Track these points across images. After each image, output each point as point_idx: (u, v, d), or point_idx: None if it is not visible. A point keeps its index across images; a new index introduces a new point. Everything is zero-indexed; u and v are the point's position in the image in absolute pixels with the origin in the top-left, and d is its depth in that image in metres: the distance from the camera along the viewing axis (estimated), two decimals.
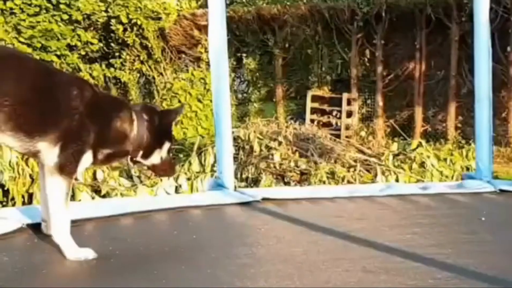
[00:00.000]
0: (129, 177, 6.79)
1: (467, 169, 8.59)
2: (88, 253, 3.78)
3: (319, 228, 4.64)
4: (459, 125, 13.60)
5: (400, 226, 4.75)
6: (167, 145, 4.21)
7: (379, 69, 14.21)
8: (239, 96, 16.11)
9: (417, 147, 8.89)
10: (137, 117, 4.07)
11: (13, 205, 5.73)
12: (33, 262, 3.77)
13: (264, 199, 5.61)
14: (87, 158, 3.86)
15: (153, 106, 4.51)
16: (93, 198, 5.90)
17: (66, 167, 3.76)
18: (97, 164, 4.13)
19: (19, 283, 3.39)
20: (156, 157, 4.19)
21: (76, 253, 3.77)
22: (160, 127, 4.16)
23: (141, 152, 4.10)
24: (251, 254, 4.01)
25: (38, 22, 14.24)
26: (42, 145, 3.73)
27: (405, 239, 4.30)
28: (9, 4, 13.90)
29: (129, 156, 4.11)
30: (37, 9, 14.28)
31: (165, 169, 4.32)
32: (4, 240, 4.19)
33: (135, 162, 4.21)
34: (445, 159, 8.84)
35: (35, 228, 4.36)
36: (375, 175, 7.76)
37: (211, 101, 10.04)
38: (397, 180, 7.50)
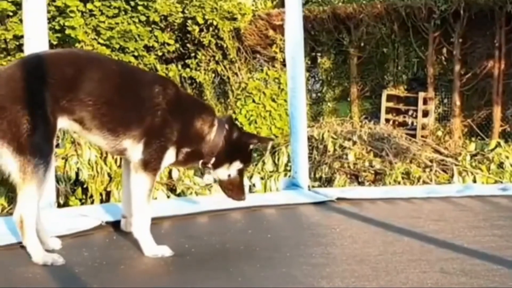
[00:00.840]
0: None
1: None
2: (165, 250, 3.85)
3: (395, 228, 4.60)
4: None
5: (479, 227, 4.66)
6: (237, 164, 4.17)
7: (457, 67, 13.93)
8: (313, 95, 16.06)
9: (495, 147, 8.66)
10: (218, 124, 4.09)
11: (92, 203, 5.85)
12: (112, 258, 3.86)
13: (338, 199, 5.59)
14: (170, 155, 3.93)
15: (237, 124, 4.49)
16: (168, 196, 5.97)
17: (150, 164, 3.84)
18: (176, 164, 4.18)
19: (98, 278, 3.47)
20: (223, 172, 4.18)
21: (153, 250, 3.84)
22: (238, 143, 4.15)
23: (213, 160, 4.12)
24: (326, 254, 4.00)
25: (117, 23, 14.52)
26: (127, 142, 3.82)
27: (484, 240, 4.22)
28: (89, 6, 14.22)
29: (202, 161, 4.14)
30: (116, 11, 14.57)
31: (232, 190, 4.24)
32: (84, 237, 4.30)
33: (206, 168, 4.23)
34: None
35: (114, 225, 4.46)
36: (452, 176, 7.60)
37: (285, 100, 10.08)
38: (474, 181, 7.33)
